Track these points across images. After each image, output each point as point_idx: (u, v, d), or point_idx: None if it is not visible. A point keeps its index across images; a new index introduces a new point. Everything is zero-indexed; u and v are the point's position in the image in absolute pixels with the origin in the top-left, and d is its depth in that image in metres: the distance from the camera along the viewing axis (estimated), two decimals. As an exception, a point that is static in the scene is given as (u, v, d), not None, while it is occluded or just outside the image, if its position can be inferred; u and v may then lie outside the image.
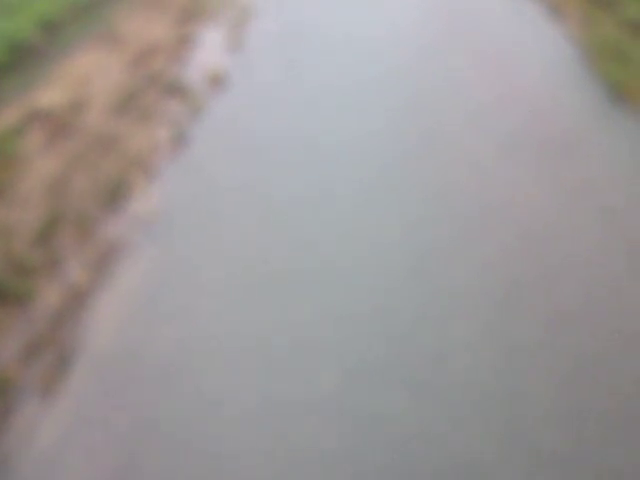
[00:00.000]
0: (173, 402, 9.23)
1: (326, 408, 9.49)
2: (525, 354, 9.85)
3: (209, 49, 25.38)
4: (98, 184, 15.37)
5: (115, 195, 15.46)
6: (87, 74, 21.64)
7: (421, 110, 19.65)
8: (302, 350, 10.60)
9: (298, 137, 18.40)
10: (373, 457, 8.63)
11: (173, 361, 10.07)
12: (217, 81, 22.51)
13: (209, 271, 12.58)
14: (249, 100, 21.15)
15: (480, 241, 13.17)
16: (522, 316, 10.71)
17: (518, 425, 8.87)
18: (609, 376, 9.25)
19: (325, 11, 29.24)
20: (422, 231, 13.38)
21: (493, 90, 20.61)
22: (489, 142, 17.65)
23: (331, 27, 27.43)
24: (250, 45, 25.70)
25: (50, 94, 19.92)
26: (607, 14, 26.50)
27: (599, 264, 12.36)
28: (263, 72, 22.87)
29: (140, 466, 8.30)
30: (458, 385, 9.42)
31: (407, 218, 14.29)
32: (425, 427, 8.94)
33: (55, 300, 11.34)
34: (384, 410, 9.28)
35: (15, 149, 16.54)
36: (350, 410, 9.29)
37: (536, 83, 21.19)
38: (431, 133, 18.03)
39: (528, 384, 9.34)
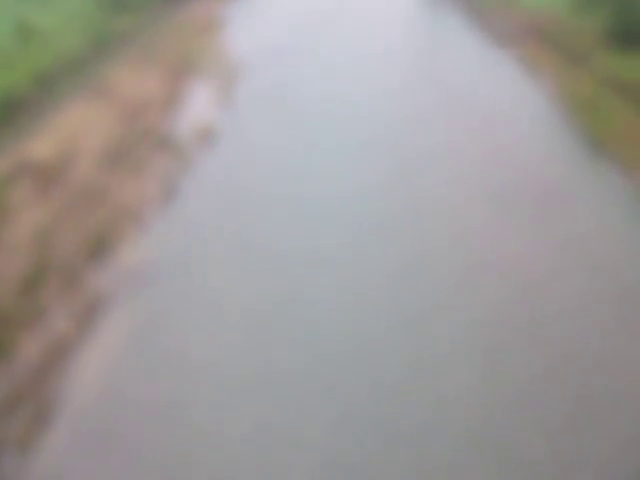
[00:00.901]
0: (154, 462, 8.86)
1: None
2: (511, 409, 9.71)
3: (199, 104, 25.78)
4: (86, 235, 15.30)
5: (102, 246, 15.37)
6: (78, 127, 21.85)
7: (408, 169, 19.84)
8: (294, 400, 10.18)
9: (283, 193, 18.53)
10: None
11: (155, 420, 9.76)
12: (206, 136, 22.78)
13: (194, 326, 12.41)
14: (237, 155, 21.38)
15: (469, 297, 13.13)
16: (509, 372, 10.61)
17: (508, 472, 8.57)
18: (596, 432, 9.11)
19: (313, 70, 29.95)
20: (410, 289, 13.33)
21: (477, 147, 20.95)
22: (476, 199, 17.82)
23: (318, 86, 28.02)
24: (239, 101, 26.16)
25: (41, 146, 20.03)
26: (581, 70, 27.34)
27: (586, 318, 12.35)
28: (251, 128, 23.18)
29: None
30: (447, 438, 9.18)
31: (396, 275, 14.25)
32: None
33: (37, 352, 11.09)
34: (377, 460, 8.89)
35: (3, 200, 16.47)
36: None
37: (519, 139, 21.62)
38: (418, 192, 18.16)
39: (516, 437, 9.13)
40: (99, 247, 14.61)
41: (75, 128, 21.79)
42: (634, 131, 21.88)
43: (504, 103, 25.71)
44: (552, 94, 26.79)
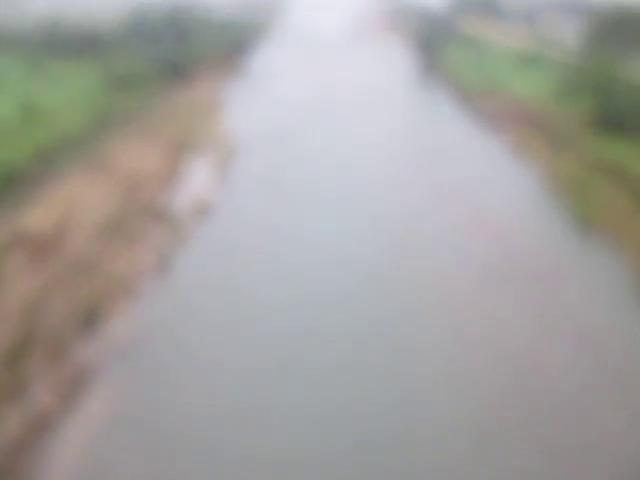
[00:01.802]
0: None
1: None
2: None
3: (196, 179, 26.10)
4: (75, 307, 15.04)
5: (91, 318, 15.10)
6: (76, 199, 21.97)
7: (401, 249, 19.91)
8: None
9: (277, 270, 18.48)
10: None
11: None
12: (202, 210, 22.93)
13: (181, 403, 12.03)
14: (231, 230, 21.45)
15: (464, 377, 12.87)
16: (504, 452, 10.24)
17: None
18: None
19: (308, 151, 30.60)
20: (402, 370, 13.06)
21: (467, 224, 21.12)
22: (467, 275, 17.80)
23: (312, 167, 28.53)
24: (235, 178, 26.54)
25: (37, 217, 20.04)
26: (568, 154, 28.01)
27: (580, 396, 12.07)
28: (245, 205, 23.38)
29: None
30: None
31: (389, 359, 13.99)
32: None
33: (18, 426, 10.65)
34: None
35: (-5, 270, 16.30)
36: None
37: (508, 217, 21.84)
38: (408, 272, 18.13)
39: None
40: (88, 319, 14.35)
41: (72, 201, 21.92)
42: (621, 212, 22.08)
43: (494, 185, 26.14)
44: (541, 177, 27.28)
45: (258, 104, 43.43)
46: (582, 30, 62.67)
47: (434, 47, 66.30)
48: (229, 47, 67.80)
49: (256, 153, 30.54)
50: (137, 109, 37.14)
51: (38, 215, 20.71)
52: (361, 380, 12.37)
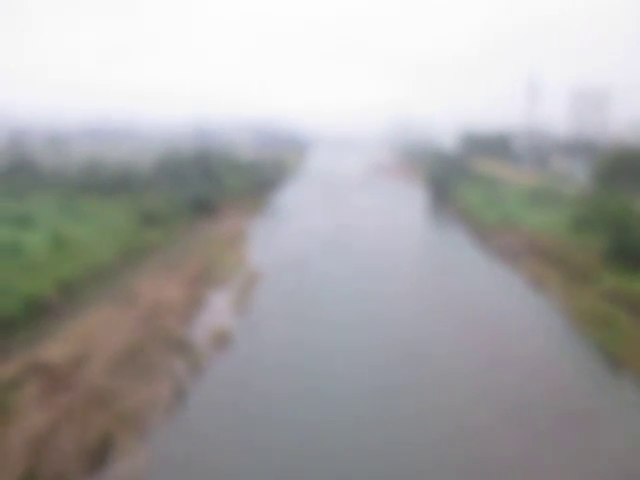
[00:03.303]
0: None
1: None
2: None
3: (216, 310, 25.84)
4: (84, 442, 14.17)
5: (99, 454, 14.17)
6: (95, 330, 21.65)
7: (423, 385, 18.84)
8: None
9: (293, 407, 17.48)
10: None
11: None
12: (221, 340, 22.41)
13: None
14: (249, 361, 20.74)
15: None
16: None
17: None
18: None
19: (326, 281, 30.47)
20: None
21: (491, 361, 20.10)
22: (492, 413, 16.61)
23: (329, 296, 28.15)
24: (255, 308, 26.25)
25: (55, 348, 19.63)
26: (586, 286, 27.40)
27: None
28: (265, 335, 22.83)
29: None
30: None
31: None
32: None
33: None
34: None
35: (8, 402, 15.71)
36: None
37: (532, 352, 20.84)
38: (436, 408, 17.04)
39: None
40: (96, 455, 13.50)
41: (92, 332, 21.61)
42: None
43: (518, 317, 25.42)
44: (560, 309, 26.55)
45: (280, 236, 44.33)
46: (590, 167, 64.52)
47: (447, 184, 68.59)
48: (254, 185, 70.77)
49: (276, 282, 30.46)
50: (164, 243, 37.96)
51: (58, 346, 20.32)
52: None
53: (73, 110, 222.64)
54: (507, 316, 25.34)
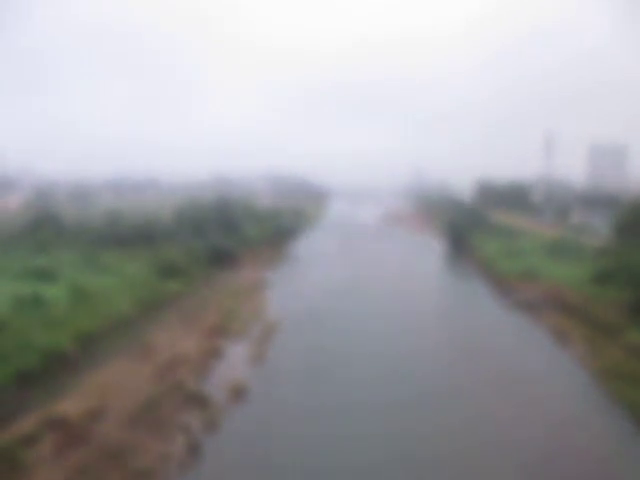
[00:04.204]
0: None
1: None
2: None
3: (232, 362, 25.45)
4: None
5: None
6: (112, 384, 21.35)
7: (444, 443, 18.29)
8: None
9: (312, 462, 16.90)
10: None
11: None
12: (237, 394, 21.96)
13: None
14: (265, 415, 20.24)
15: None
16: None
17: None
18: None
19: (344, 332, 29.99)
20: None
21: (515, 416, 19.37)
22: (515, 471, 16.01)
23: (349, 349, 27.64)
24: (272, 361, 25.81)
25: (72, 403, 19.31)
26: (610, 339, 26.55)
27: None
28: (282, 389, 22.34)
29: None
30: None
31: None
32: None
33: None
34: None
35: (23, 458, 15.42)
36: None
37: (557, 408, 20.05)
38: (458, 465, 16.46)
39: None
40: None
41: (108, 386, 21.36)
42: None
43: (543, 373, 24.65)
44: (585, 362, 25.78)
45: (299, 285, 44.03)
46: (610, 220, 63.80)
47: (464, 234, 67.82)
48: (273, 234, 71.08)
49: (294, 333, 30.09)
50: (182, 294, 37.83)
51: (74, 401, 20.06)
52: None
53: (102, 160, 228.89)
54: (533, 372, 24.57)
